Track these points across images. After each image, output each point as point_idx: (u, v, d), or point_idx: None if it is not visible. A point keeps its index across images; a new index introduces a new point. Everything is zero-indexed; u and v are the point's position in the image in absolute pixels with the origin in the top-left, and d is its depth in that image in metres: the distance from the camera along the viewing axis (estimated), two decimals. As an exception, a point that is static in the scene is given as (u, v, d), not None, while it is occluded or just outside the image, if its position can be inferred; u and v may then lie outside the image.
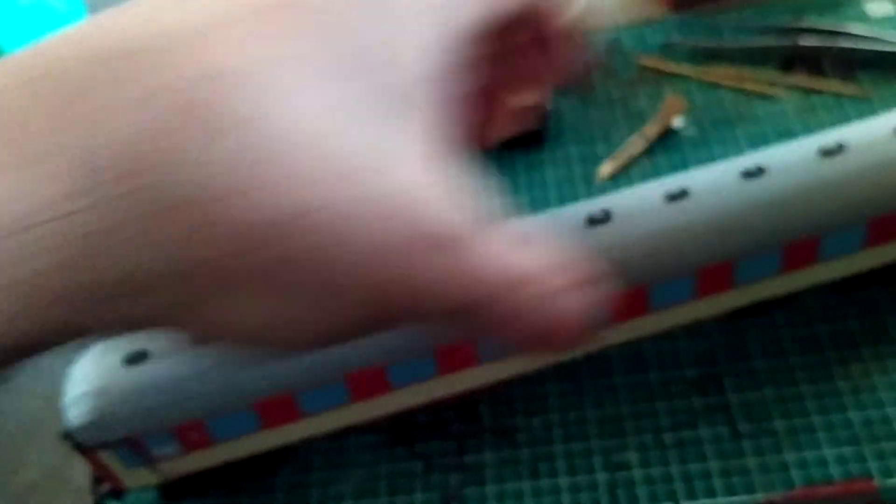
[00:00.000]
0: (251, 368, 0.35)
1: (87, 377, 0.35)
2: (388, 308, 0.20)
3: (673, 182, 0.37)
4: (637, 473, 0.40)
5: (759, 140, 0.54)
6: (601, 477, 0.40)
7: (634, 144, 0.55)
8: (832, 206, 0.36)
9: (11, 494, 1.49)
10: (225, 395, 0.35)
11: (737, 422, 0.41)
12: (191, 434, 0.36)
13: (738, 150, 0.54)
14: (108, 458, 0.36)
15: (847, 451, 0.39)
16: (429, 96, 0.21)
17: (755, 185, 0.36)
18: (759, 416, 0.41)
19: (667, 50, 0.61)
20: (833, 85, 0.56)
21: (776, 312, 0.44)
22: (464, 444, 0.42)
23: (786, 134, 0.54)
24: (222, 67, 0.18)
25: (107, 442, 0.35)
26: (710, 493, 0.39)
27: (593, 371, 0.44)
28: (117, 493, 0.40)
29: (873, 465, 0.38)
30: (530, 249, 0.22)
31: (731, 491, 0.39)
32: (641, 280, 0.37)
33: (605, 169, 0.54)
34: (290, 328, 0.20)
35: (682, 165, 0.53)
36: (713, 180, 0.37)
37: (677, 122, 0.55)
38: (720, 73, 0.58)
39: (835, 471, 0.38)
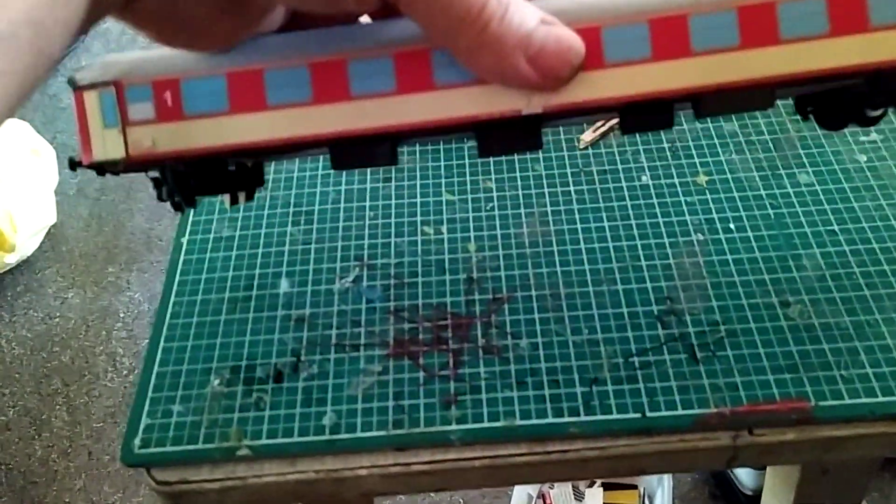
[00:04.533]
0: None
1: None
2: None
3: None
4: (610, 388, 0.46)
5: (722, 117, 0.61)
6: (580, 390, 0.46)
7: (612, 116, 0.61)
8: None
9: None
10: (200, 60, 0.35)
11: (695, 350, 0.48)
12: (165, 95, 0.36)
13: (703, 123, 0.61)
14: (92, 106, 0.37)
15: (788, 376, 0.46)
16: None
17: None
18: (714, 345, 0.48)
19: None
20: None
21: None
22: (459, 359, 0.48)
23: (744, 114, 0.61)
24: None
25: (96, 82, 0.37)
26: (671, 406, 0.45)
27: (572, 306, 0.50)
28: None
29: (809, 389, 0.45)
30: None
31: (687, 405, 0.45)
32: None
33: (587, 137, 0.60)
34: None
35: (656, 136, 0.60)
36: None
37: (652, 98, 0.62)
38: (690, 58, 0.65)
39: (776, 391, 0.45)
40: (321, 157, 0.62)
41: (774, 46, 0.36)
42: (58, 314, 1.72)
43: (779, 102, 0.62)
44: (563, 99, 0.36)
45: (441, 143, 0.62)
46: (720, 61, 0.36)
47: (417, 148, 0.62)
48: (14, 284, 1.76)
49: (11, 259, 1.72)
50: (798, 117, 0.60)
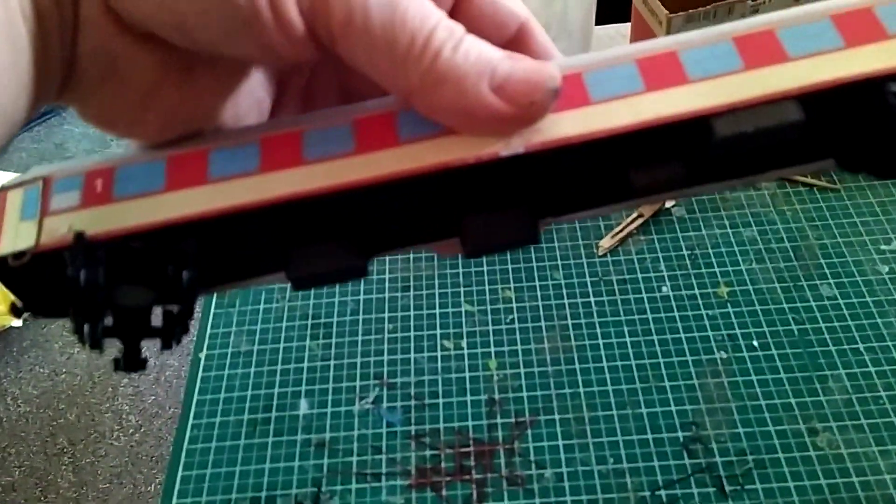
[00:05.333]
0: None
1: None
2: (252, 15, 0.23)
3: None
4: (637, 524, 0.46)
5: (740, 221, 0.61)
6: (606, 526, 0.46)
7: (632, 222, 0.61)
8: None
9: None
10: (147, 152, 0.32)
11: (724, 482, 0.47)
12: (95, 182, 0.32)
13: (722, 228, 0.61)
14: (13, 203, 0.32)
15: (817, 511, 0.45)
16: None
17: None
18: (742, 477, 0.47)
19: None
20: (808, 177, 0.63)
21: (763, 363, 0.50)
22: (483, 490, 0.48)
23: (763, 219, 0.61)
24: None
25: (24, 181, 0.33)
26: (700, 544, 0.45)
27: (596, 431, 0.50)
28: None
29: (838, 525, 0.45)
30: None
31: (717, 542, 0.45)
32: None
33: (605, 243, 0.60)
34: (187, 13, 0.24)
35: (675, 242, 0.60)
36: None
37: (670, 203, 0.62)
38: (708, 158, 0.65)
39: (806, 528, 0.45)
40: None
41: (781, 64, 0.31)
42: (64, 370, 1.71)
43: (797, 206, 0.62)
44: (547, 135, 0.31)
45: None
46: (723, 83, 0.31)
47: (435, 255, 0.61)
48: (20, 339, 1.75)
49: (18, 322, 1.71)
50: (818, 222, 0.61)
